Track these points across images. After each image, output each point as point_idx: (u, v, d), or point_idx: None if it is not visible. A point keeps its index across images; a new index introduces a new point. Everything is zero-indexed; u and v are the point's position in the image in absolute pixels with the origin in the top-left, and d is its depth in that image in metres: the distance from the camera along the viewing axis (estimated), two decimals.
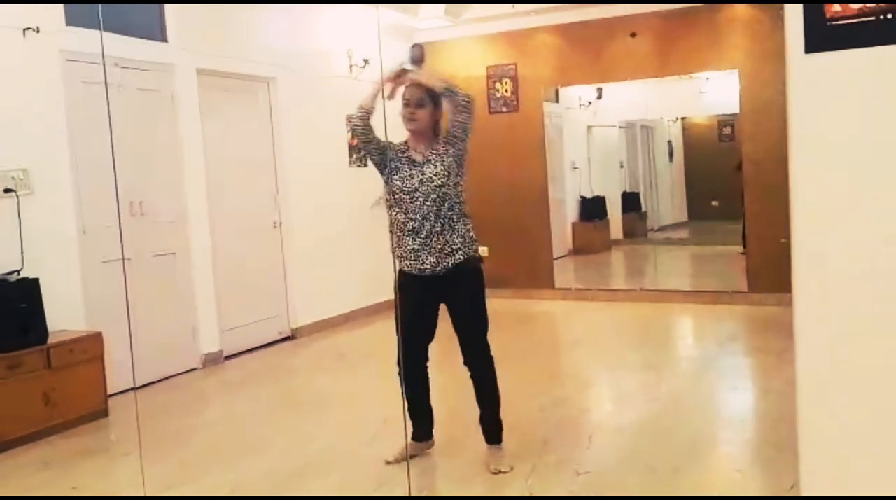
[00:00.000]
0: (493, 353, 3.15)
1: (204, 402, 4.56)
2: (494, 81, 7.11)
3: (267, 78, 5.74)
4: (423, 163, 3.02)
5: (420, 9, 6.82)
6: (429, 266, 3.00)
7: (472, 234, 3.09)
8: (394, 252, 3.09)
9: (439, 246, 2.99)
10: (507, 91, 7.06)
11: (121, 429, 3.84)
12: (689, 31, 6.41)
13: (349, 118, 3.10)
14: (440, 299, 3.11)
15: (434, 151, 3.04)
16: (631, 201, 8.15)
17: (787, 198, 2.04)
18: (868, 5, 1.90)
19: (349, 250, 6.31)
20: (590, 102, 7.71)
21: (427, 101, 3.03)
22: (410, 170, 3.02)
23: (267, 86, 5.78)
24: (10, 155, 3.99)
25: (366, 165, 6.52)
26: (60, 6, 4.27)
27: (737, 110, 6.44)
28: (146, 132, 4.80)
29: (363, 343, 5.69)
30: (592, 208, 8.00)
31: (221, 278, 5.27)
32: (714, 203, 7.96)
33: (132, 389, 4.19)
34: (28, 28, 4.07)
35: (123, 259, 4.35)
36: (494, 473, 3.05)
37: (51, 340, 3.86)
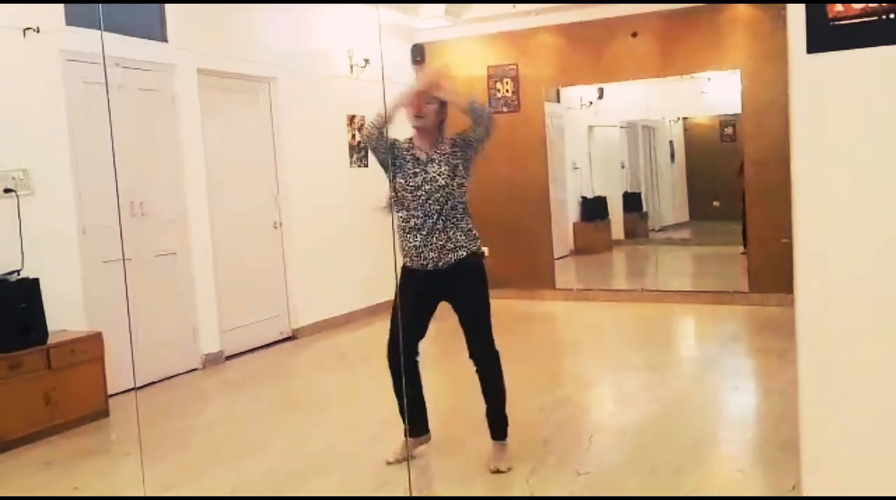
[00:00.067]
0: None
1: (204, 402, 4.55)
2: (495, 81, 7.10)
3: (267, 78, 5.73)
4: (427, 162, 3.03)
5: (420, 8, 6.81)
6: (430, 262, 3.01)
7: (474, 231, 3.10)
8: (399, 251, 3.10)
9: (441, 243, 3.00)
10: (507, 91, 7.05)
11: (121, 429, 3.84)
12: (690, 31, 6.40)
13: (366, 127, 3.10)
14: (441, 297, 3.11)
15: (439, 151, 3.04)
16: (632, 202, 8.14)
17: (788, 198, 2.04)
18: (870, 5, 1.90)
19: (350, 250, 6.30)
20: (591, 102, 7.70)
21: (433, 98, 3.03)
22: (414, 168, 3.03)
23: (267, 86, 5.77)
24: (10, 155, 3.98)
25: (366, 166, 6.53)
26: (60, 6, 4.26)
27: (738, 110, 6.43)
28: (146, 132, 4.80)
29: (364, 343, 5.67)
30: (594, 209, 7.98)
31: (222, 279, 5.27)
32: (715, 203, 7.94)
33: (133, 389, 4.19)
34: (28, 28, 4.07)
35: (124, 259, 4.35)
36: (493, 472, 3.05)
37: (51, 340, 3.85)
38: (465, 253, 3.03)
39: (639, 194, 8.19)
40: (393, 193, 3.07)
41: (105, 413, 4.04)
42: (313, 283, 5.99)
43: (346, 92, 6.37)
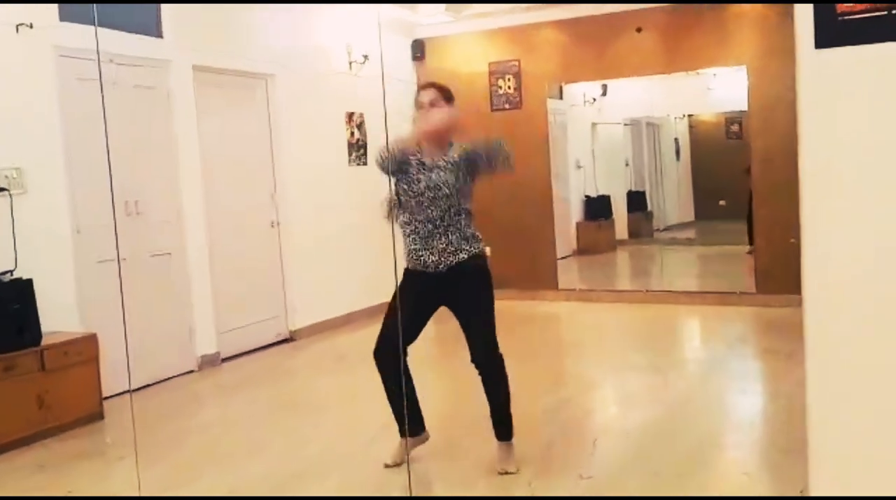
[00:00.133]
0: None
1: (200, 405, 4.53)
2: (497, 78, 7.04)
3: (265, 74, 5.69)
4: (433, 168, 2.99)
5: (420, 4, 6.75)
6: (431, 266, 2.99)
7: (476, 234, 3.07)
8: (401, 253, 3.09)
9: (441, 246, 2.98)
10: (510, 88, 6.99)
11: (116, 432, 3.81)
12: (696, 26, 6.33)
13: (375, 159, 3.04)
14: (441, 301, 3.07)
15: (447, 159, 3.01)
16: (636, 200, 8.10)
17: (796, 196, 2.02)
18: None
19: (349, 250, 6.25)
20: (594, 99, 7.65)
21: (441, 101, 3.01)
22: (419, 173, 3.00)
23: (265, 82, 5.72)
24: (3, 153, 3.95)
25: (366, 163, 6.48)
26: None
27: (745, 107, 6.37)
28: (142, 130, 4.76)
29: (363, 345, 5.53)
30: (597, 208, 7.94)
31: (218, 279, 5.22)
32: (721, 202, 7.88)
33: (128, 391, 4.16)
34: (21, 24, 4.02)
35: (119, 259, 4.30)
36: (501, 473, 3.02)
37: (45, 341, 3.82)
38: (465, 256, 3.00)
39: (643, 193, 8.16)
40: (395, 197, 3.04)
41: (100, 416, 4.01)
42: (311, 283, 5.95)
43: (345, 89, 6.32)
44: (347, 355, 5.36)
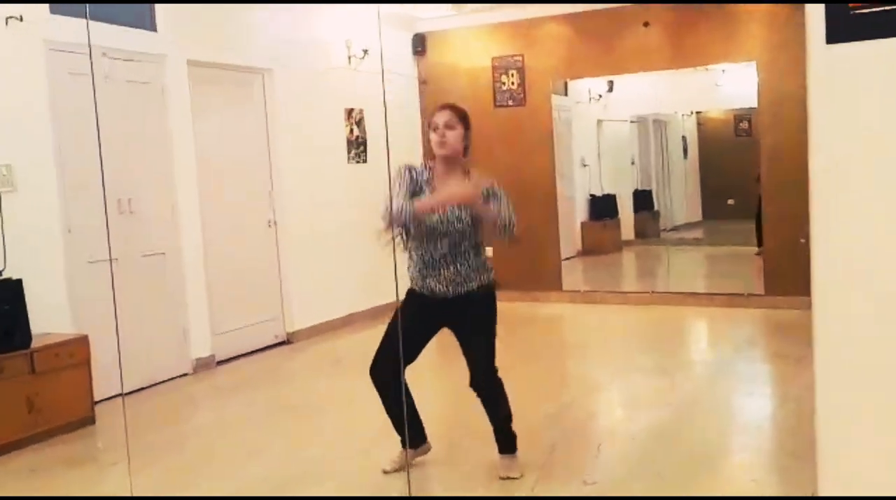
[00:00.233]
0: (498, 355, 3.03)
1: (194, 408, 4.50)
2: (500, 73, 6.94)
3: (262, 69, 5.63)
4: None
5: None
6: (439, 293, 2.95)
7: (485, 261, 3.02)
8: (408, 271, 3.04)
9: (449, 276, 2.94)
10: (513, 84, 6.90)
11: (108, 437, 3.80)
12: (703, 20, 6.25)
13: (393, 214, 2.89)
14: (443, 323, 3.03)
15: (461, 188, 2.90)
16: (643, 200, 8.04)
17: (806, 195, 2.00)
18: None
19: (347, 251, 6.17)
20: (600, 96, 7.60)
21: (457, 122, 2.94)
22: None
23: (262, 78, 5.67)
24: None
25: (365, 161, 6.42)
26: None
27: (754, 104, 6.29)
28: (135, 126, 4.72)
29: (363, 347, 5.50)
30: (602, 207, 7.88)
31: (213, 280, 5.17)
32: (730, 201, 7.82)
33: (120, 395, 4.14)
34: (11, 17, 3.98)
35: (111, 259, 4.28)
36: (503, 478, 3.00)
37: (35, 343, 3.79)
38: (474, 285, 2.95)
39: (650, 192, 8.11)
40: (403, 228, 2.89)
41: (91, 420, 3.98)
42: (309, 284, 5.89)
43: (344, 84, 6.26)
44: (346, 358, 5.31)
